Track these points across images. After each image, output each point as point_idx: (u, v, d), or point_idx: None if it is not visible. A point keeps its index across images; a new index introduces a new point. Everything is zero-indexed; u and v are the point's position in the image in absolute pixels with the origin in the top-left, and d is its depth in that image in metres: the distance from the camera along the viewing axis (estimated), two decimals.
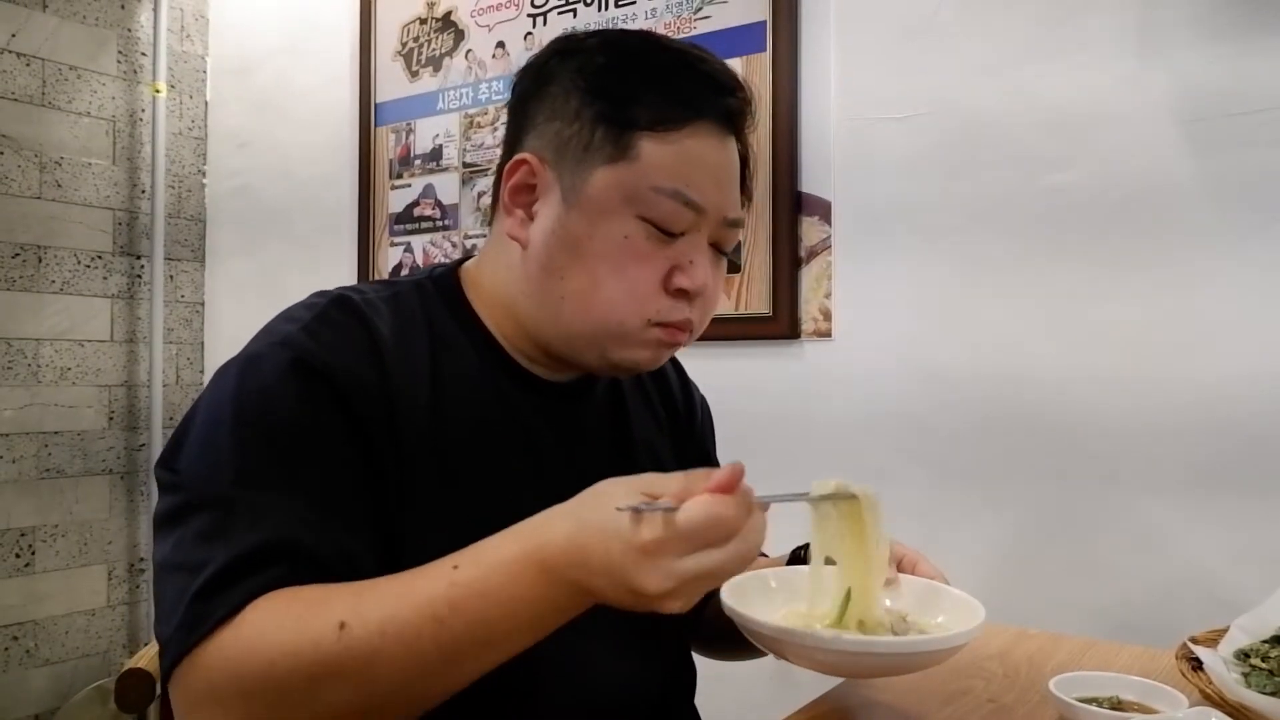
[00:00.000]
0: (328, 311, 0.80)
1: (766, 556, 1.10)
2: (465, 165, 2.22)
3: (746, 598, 0.84)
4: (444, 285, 0.90)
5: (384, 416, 0.77)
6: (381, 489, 0.77)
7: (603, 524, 0.63)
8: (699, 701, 1.04)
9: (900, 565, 0.91)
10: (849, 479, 0.80)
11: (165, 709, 1.04)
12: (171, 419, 2.62)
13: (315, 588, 0.68)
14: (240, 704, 0.64)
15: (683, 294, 0.83)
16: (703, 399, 1.14)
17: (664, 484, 0.64)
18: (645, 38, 0.87)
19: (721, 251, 0.88)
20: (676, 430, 1.06)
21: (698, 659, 1.06)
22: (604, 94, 0.82)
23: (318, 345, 0.76)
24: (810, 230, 1.75)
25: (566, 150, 0.82)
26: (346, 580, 0.70)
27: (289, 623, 0.65)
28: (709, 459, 1.13)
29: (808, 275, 1.75)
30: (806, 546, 0.98)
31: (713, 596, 0.93)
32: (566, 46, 0.87)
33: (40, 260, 2.39)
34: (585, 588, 0.64)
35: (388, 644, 0.64)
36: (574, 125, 0.82)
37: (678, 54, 0.85)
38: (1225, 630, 0.94)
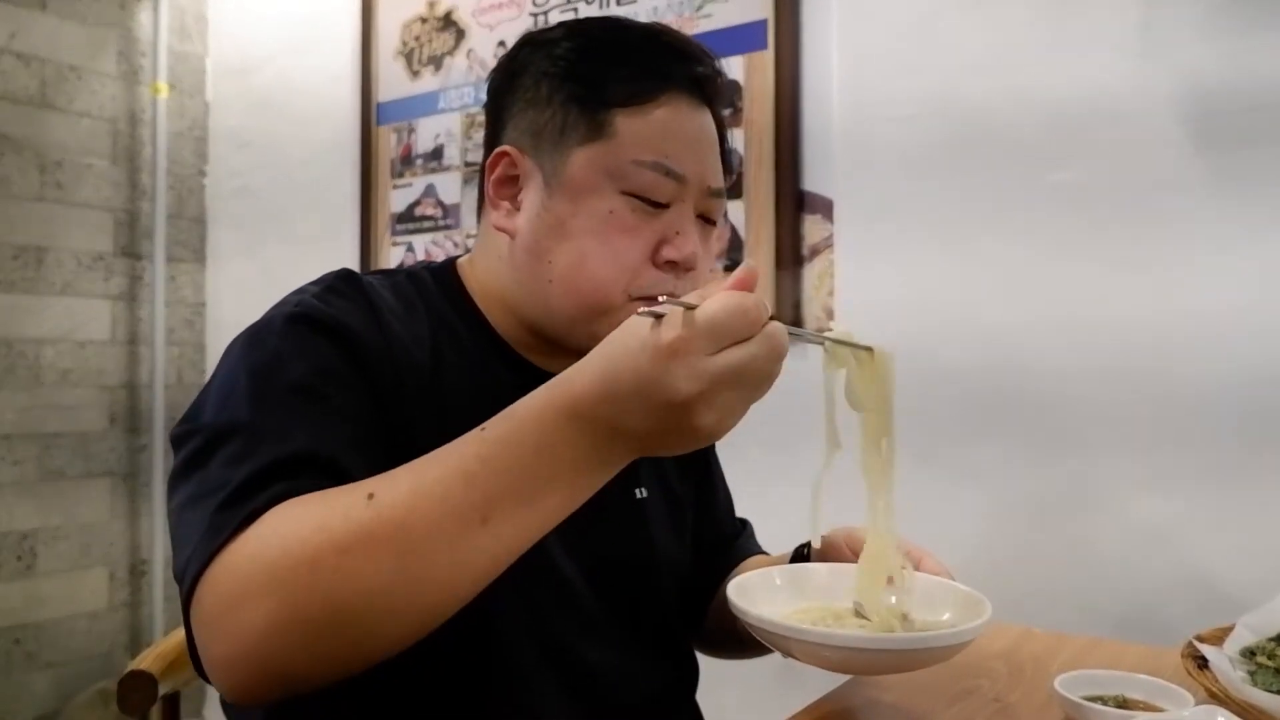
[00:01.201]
0: (334, 283, 0.82)
1: (768, 555, 1.10)
2: (467, 165, 2.22)
3: (752, 595, 0.84)
4: (441, 276, 0.91)
5: (389, 377, 0.78)
6: (386, 442, 0.76)
7: (626, 342, 0.61)
8: (701, 700, 1.03)
9: None
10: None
11: (168, 711, 1.04)
12: (174, 420, 2.62)
13: (341, 486, 0.65)
14: (273, 593, 0.59)
15: (671, 266, 0.83)
16: None
17: (688, 294, 0.62)
18: (608, 20, 0.89)
19: (709, 221, 0.88)
20: None
21: (700, 657, 1.06)
22: (574, 77, 0.83)
23: (326, 307, 0.78)
24: (813, 228, 1.74)
25: (543, 137, 0.84)
26: None
27: (316, 505, 0.63)
28: (708, 459, 1.13)
29: (810, 273, 1.75)
30: (809, 545, 0.98)
31: (716, 593, 0.93)
32: (533, 38, 0.89)
33: (41, 262, 2.39)
34: (618, 427, 0.61)
35: (419, 503, 0.61)
36: (548, 111, 0.84)
37: (642, 30, 0.87)
38: (1231, 628, 0.94)
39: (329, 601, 0.59)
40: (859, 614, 0.84)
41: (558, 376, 0.64)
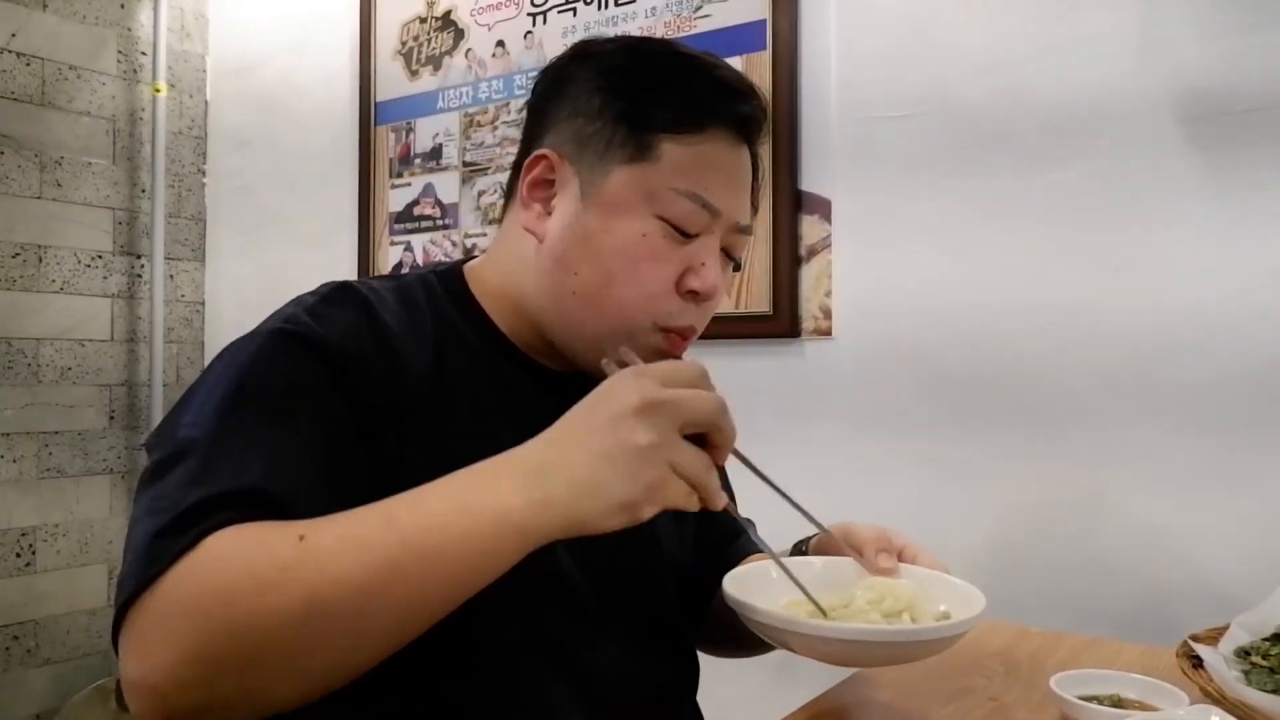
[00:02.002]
0: (332, 294, 0.82)
1: (770, 549, 1.10)
2: (465, 164, 2.22)
3: (747, 588, 0.84)
4: (448, 280, 0.91)
5: (383, 392, 0.77)
6: (376, 462, 0.76)
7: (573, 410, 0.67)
8: (701, 699, 1.04)
9: (901, 556, 0.92)
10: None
11: None
12: None
13: (281, 522, 0.65)
14: (188, 625, 0.60)
15: (692, 296, 0.84)
16: None
17: None
18: (663, 43, 0.90)
19: (730, 258, 0.89)
20: None
21: (701, 657, 1.06)
22: (625, 94, 0.84)
23: (316, 323, 0.77)
24: (811, 228, 1.75)
25: (587, 147, 0.84)
26: None
27: (250, 539, 0.62)
28: None
29: (808, 273, 1.75)
30: (807, 540, 0.98)
31: (717, 592, 0.93)
32: (586, 50, 0.89)
33: (40, 260, 2.39)
34: (549, 470, 0.62)
35: (341, 546, 0.61)
36: (595, 123, 0.84)
37: (696, 59, 0.87)
38: (1226, 628, 0.94)
39: (236, 642, 0.59)
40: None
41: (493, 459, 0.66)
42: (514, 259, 0.89)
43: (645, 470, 0.62)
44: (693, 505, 0.66)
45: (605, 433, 0.62)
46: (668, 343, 0.84)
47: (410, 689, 0.77)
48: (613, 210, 0.82)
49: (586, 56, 0.88)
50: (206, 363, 2.72)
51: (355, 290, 0.83)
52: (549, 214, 0.86)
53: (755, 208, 0.92)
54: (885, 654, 0.79)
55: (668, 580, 0.98)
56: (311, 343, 0.76)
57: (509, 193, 0.93)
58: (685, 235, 0.83)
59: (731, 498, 1.16)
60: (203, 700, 0.60)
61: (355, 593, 0.60)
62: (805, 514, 0.88)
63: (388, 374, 0.78)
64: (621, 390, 0.63)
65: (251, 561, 0.61)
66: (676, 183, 0.81)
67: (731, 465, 1.18)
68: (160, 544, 0.63)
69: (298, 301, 0.81)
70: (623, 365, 0.66)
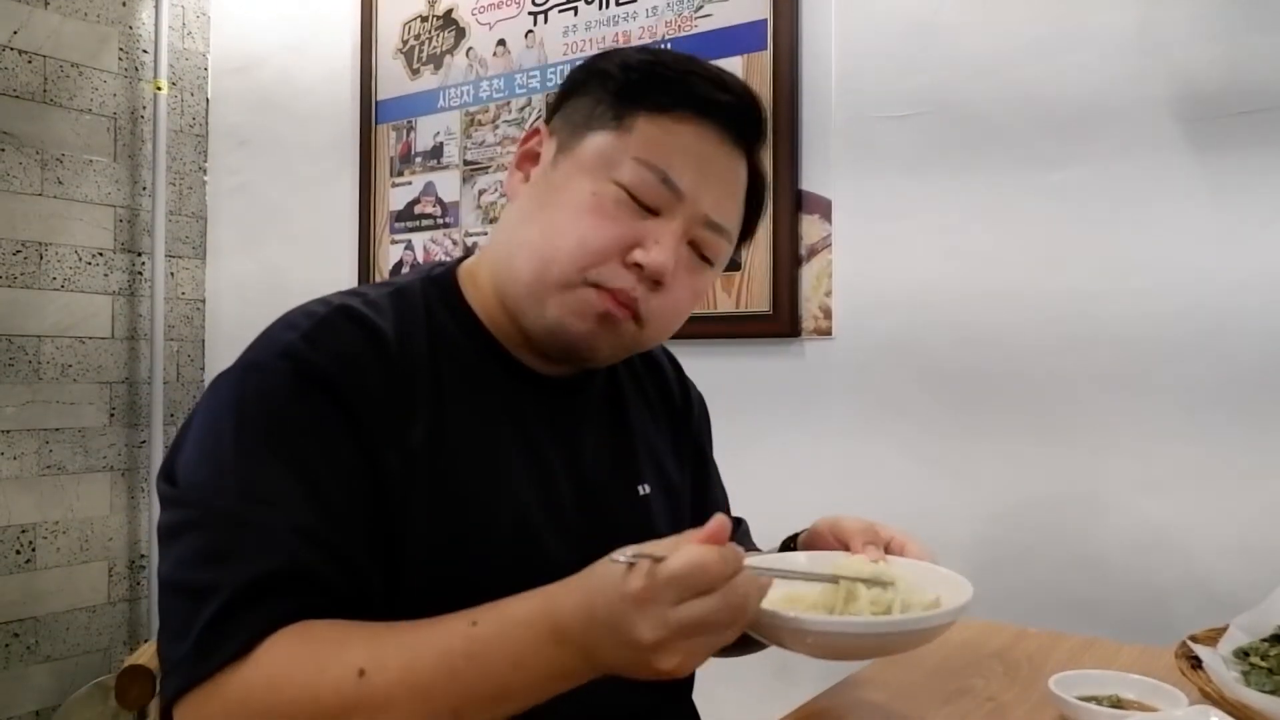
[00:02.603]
0: (328, 318, 0.80)
1: (760, 551, 1.10)
2: (466, 163, 2.22)
3: None
4: (442, 284, 0.91)
5: (386, 418, 0.78)
6: (384, 490, 0.77)
7: (603, 579, 0.66)
8: (697, 700, 1.04)
9: (889, 547, 0.91)
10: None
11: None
12: (173, 416, 2.62)
13: (330, 625, 0.69)
14: None
15: (637, 269, 0.82)
16: (699, 396, 1.14)
17: (660, 543, 0.67)
18: (688, 56, 0.90)
19: (703, 256, 0.87)
20: (674, 426, 1.07)
21: None
22: (622, 79, 0.86)
23: (317, 353, 0.77)
24: (811, 228, 1.75)
25: (573, 120, 0.87)
26: (353, 597, 0.71)
27: (309, 664, 0.66)
28: (704, 455, 1.13)
29: (808, 273, 1.75)
30: (795, 536, 0.98)
31: None
32: (614, 51, 0.92)
33: (41, 257, 2.39)
34: (591, 653, 0.66)
35: (403, 692, 0.65)
36: (586, 100, 0.87)
37: (700, 63, 0.88)
38: (1225, 629, 0.95)
39: None
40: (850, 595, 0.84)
41: (548, 588, 0.68)
42: (498, 244, 0.90)
43: (667, 674, 0.66)
44: None
45: (629, 653, 0.65)
46: (600, 301, 0.82)
47: None
48: (576, 170, 0.84)
49: (609, 55, 0.90)
50: (207, 360, 2.73)
51: (352, 312, 0.82)
52: (527, 180, 0.89)
53: (750, 229, 0.93)
54: (871, 646, 0.78)
55: None
56: (315, 379, 0.76)
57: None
58: (645, 209, 0.83)
59: (725, 497, 1.17)
60: None
61: None
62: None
63: (389, 400, 0.79)
64: (635, 623, 0.63)
65: (313, 692, 0.64)
66: (640, 154, 0.82)
67: (728, 469, 1.19)
68: (209, 638, 0.66)
69: (290, 325, 0.80)
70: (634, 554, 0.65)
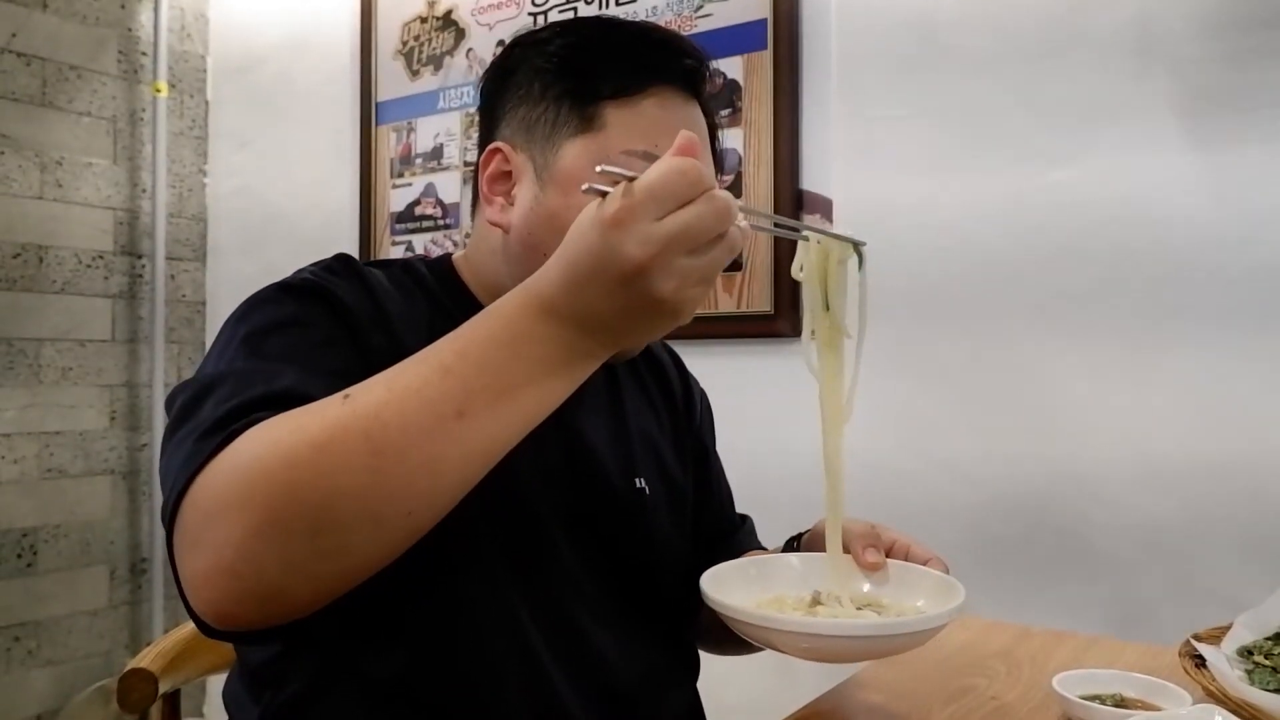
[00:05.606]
0: (331, 264, 0.84)
1: (768, 550, 1.10)
2: (466, 164, 2.22)
3: (725, 585, 0.84)
4: (437, 268, 0.93)
5: (384, 347, 0.78)
6: None
7: (577, 228, 0.63)
8: (704, 698, 1.03)
9: (892, 551, 0.91)
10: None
11: (168, 709, 1.04)
12: None
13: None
14: (249, 499, 0.59)
15: None
16: (702, 392, 1.14)
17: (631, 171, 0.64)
18: (599, 19, 0.90)
19: None
20: (675, 421, 1.07)
21: (702, 655, 1.06)
22: (565, 72, 0.85)
23: (320, 280, 0.80)
24: None
25: (535, 132, 0.85)
26: None
27: (290, 416, 0.62)
28: (707, 453, 1.13)
29: None
30: (799, 536, 0.98)
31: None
32: (525, 39, 0.90)
33: (41, 260, 2.39)
34: (585, 315, 0.63)
35: (395, 397, 0.61)
36: (540, 106, 0.85)
37: (632, 27, 0.88)
38: (1229, 627, 0.94)
39: (304, 502, 0.58)
40: (817, 601, 0.84)
41: (525, 280, 0.66)
42: (487, 253, 0.90)
43: (670, 309, 0.63)
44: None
45: (622, 292, 0.61)
46: None
47: (413, 668, 0.79)
48: (570, 185, 0.82)
49: (526, 45, 0.89)
50: None
51: (355, 264, 0.85)
52: (511, 204, 0.87)
53: (720, 168, 0.92)
54: (855, 649, 0.78)
55: (667, 569, 0.98)
56: (322, 293, 0.78)
57: (475, 194, 0.93)
58: None
59: (729, 493, 1.17)
60: (276, 575, 0.59)
61: (423, 433, 0.60)
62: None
63: (388, 336, 0.79)
64: (619, 246, 0.60)
65: (302, 425, 0.61)
66: (626, 145, 0.82)
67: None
68: (203, 443, 0.63)
69: (300, 270, 0.84)
70: (606, 182, 0.62)
